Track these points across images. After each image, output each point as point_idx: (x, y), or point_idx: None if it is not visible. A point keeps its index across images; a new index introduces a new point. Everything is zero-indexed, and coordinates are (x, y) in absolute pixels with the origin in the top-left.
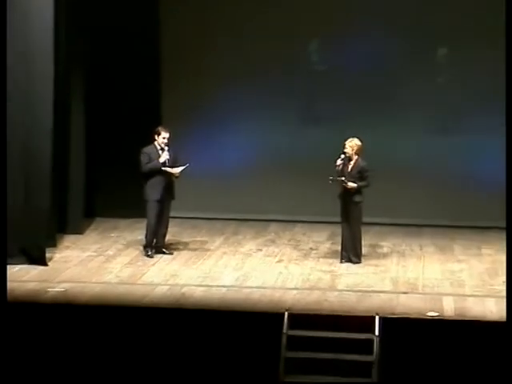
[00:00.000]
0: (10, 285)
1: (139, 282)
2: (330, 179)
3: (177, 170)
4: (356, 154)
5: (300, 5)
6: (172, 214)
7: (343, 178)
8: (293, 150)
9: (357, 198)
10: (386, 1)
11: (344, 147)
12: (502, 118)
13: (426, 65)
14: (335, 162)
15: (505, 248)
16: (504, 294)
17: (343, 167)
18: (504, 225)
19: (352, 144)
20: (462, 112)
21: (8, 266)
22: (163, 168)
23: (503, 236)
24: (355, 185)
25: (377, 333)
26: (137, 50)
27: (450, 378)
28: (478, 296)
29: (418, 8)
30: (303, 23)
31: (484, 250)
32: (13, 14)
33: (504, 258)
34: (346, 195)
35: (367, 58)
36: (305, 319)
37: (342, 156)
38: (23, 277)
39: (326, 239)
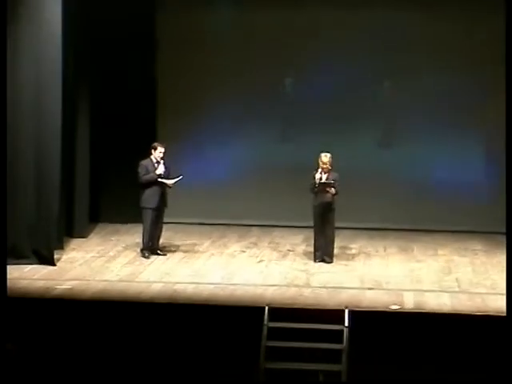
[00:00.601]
0: (22, 282)
1: (137, 279)
2: (316, 183)
3: (171, 182)
4: (330, 166)
5: (277, 42)
6: (165, 219)
7: (332, 181)
8: (271, 164)
9: (333, 205)
10: (346, 41)
11: (320, 162)
12: (448, 133)
13: (378, 91)
14: (314, 177)
15: (457, 249)
16: (456, 289)
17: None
18: (455, 228)
19: (328, 159)
20: (419, 128)
21: (21, 266)
22: (159, 179)
23: (455, 238)
24: (334, 190)
25: (346, 324)
26: (135, 74)
27: (411, 362)
28: (434, 291)
29: (371, 43)
30: (281, 59)
31: (439, 251)
32: (24, 33)
33: (456, 257)
34: (325, 202)
35: (336, 86)
36: (283, 312)
37: (320, 170)
38: (34, 275)
39: (302, 241)
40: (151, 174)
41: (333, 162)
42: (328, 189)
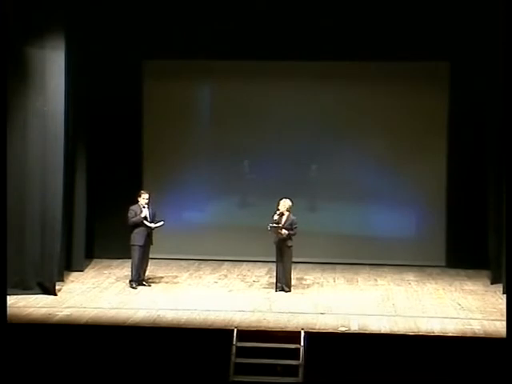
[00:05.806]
0: (28, 310)
1: (126, 307)
2: (269, 226)
3: (153, 226)
4: (287, 210)
5: (242, 127)
6: (151, 255)
7: (280, 225)
8: (240, 209)
9: (289, 243)
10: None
11: (278, 206)
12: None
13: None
14: (273, 217)
15: (394, 280)
16: (393, 313)
17: (278, 220)
18: (392, 262)
19: (285, 204)
20: (363, 188)
21: (27, 296)
22: (144, 222)
23: (392, 271)
24: (287, 232)
25: (302, 343)
26: (124, 135)
27: (357, 375)
28: (375, 315)
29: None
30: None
31: (379, 281)
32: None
33: (393, 287)
34: (281, 241)
35: (279, 167)
36: (249, 334)
37: (278, 212)
38: (38, 304)
39: (265, 274)
40: (137, 217)
41: (291, 207)
42: (279, 230)
